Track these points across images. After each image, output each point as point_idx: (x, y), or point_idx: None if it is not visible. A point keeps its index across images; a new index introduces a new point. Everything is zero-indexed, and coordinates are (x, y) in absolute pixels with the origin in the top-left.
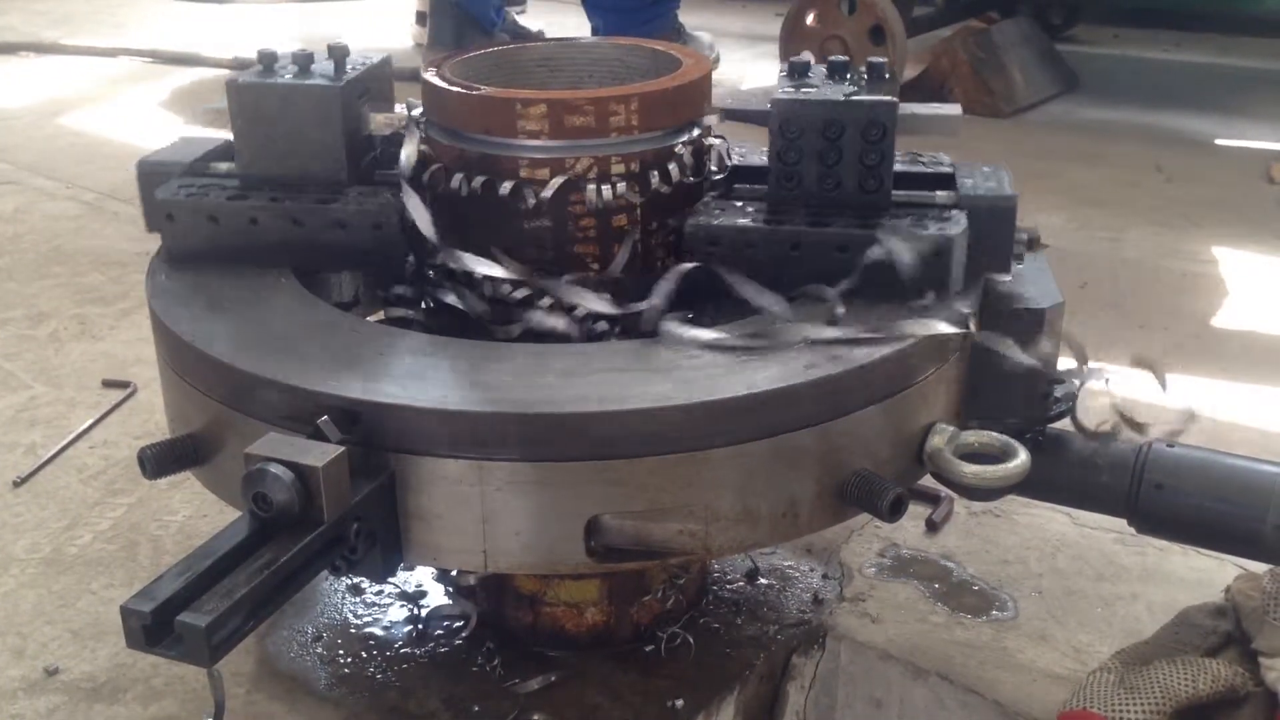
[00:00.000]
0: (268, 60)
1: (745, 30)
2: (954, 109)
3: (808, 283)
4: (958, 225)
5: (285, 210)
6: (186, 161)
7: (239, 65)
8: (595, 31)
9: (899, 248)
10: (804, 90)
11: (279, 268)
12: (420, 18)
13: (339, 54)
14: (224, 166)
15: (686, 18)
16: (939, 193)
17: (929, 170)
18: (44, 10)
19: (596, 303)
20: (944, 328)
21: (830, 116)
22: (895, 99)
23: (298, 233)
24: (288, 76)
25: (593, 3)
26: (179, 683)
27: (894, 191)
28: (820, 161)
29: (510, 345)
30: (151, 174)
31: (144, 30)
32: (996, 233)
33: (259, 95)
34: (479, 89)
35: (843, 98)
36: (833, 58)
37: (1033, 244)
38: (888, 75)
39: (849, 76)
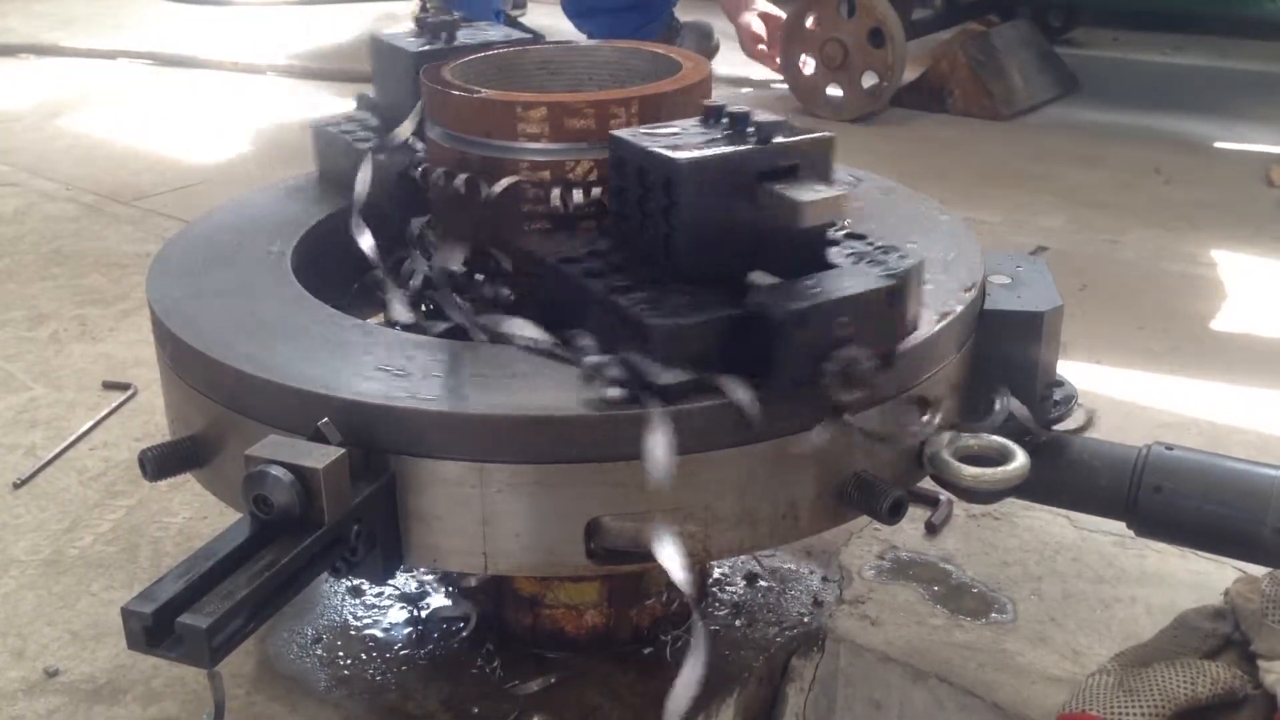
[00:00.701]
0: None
1: None
2: None
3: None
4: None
5: None
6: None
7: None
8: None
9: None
10: (652, 134)
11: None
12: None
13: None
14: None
15: (688, 19)
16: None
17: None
18: (44, 12)
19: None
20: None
21: (641, 164)
22: (691, 159)
23: None
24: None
25: (581, 12)
26: (179, 684)
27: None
28: (639, 210)
29: (509, 346)
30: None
31: (144, 31)
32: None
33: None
34: (479, 91)
35: (653, 147)
36: (732, 108)
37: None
38: (776, 135)
39: (722, 126)
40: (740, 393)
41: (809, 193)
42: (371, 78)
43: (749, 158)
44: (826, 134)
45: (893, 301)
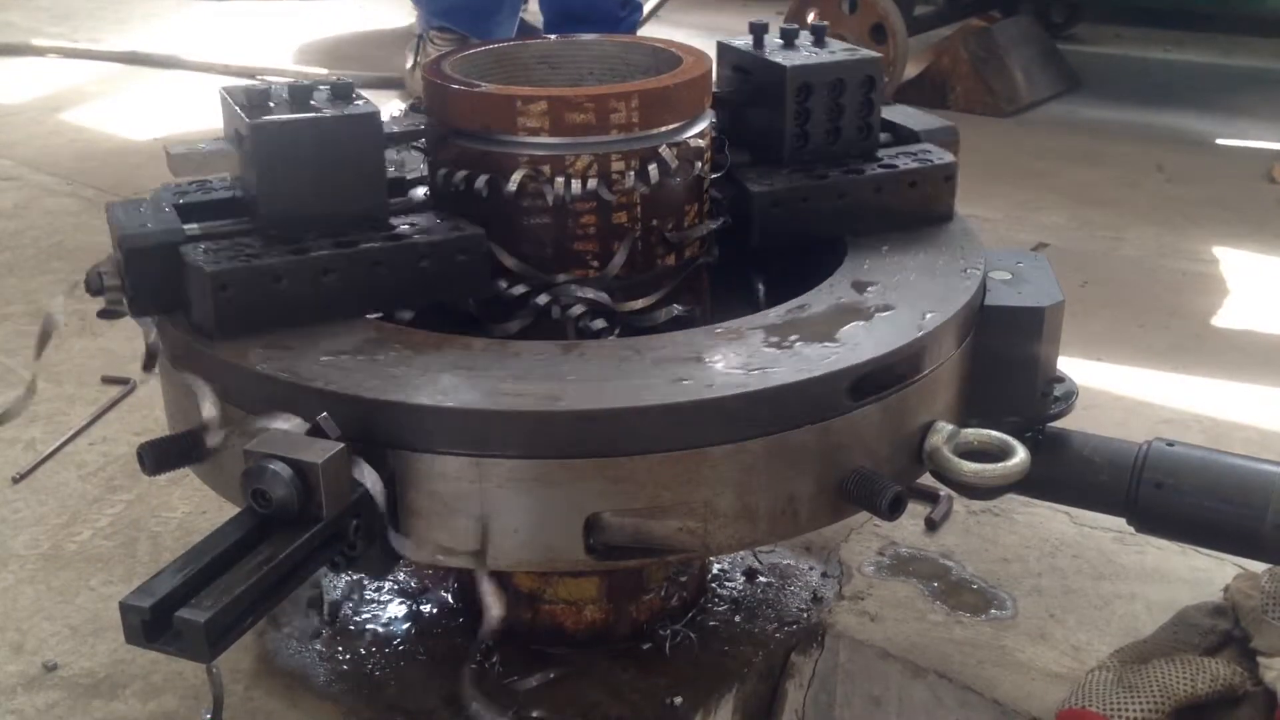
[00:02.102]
0: (260, 98)
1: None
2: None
3: (846, 230)
4: (946, 154)
5: (363, 254)
6: (167, 229)
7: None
8: None
9: None
10: (806, 56)
11: (351, 318)
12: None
13: (342, 86)
14: (220, 227)
15: (687, 16)
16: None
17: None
18: (45, 7)
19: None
20: None
21: (837, 76)
22: (878, 54)
23: (376, 276)
24: (319, 110)
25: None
26: (178, 679)
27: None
28: (826, 118)
29: (509, 342)
30: (137, 251)
31: (146, 28)
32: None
33: (292, 133)
34: (479, 86)
35: (844, 59)
36: (785, 25)
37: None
38: (825, 37)
39: (803, 41)
40: None
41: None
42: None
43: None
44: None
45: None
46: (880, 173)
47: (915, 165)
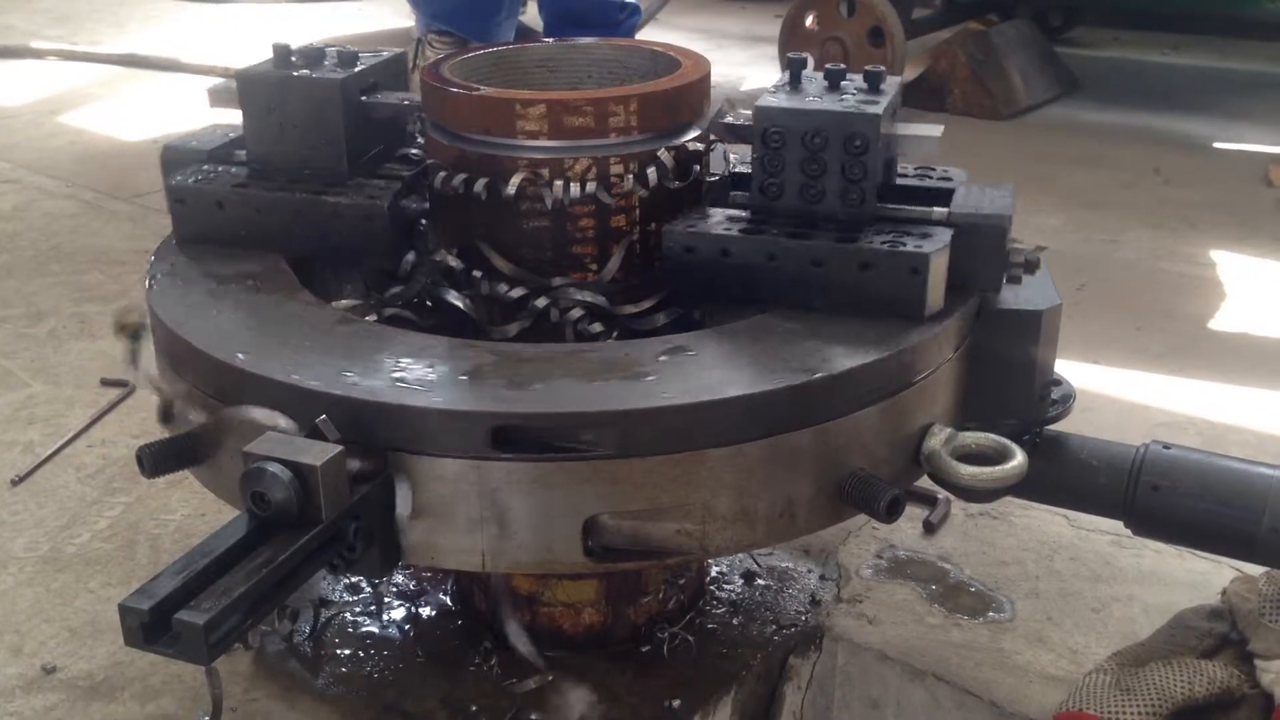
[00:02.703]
0: (281, 53)
1: (744, 32)
2: (934, 130)
3: (782, 295)
4: (936, 244)
5: (284, 200)
6: (208, 149)
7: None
8: None
9: None
10: (791, 98)
11: (276, 255)
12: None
13: (348, 53)
14: (242, 154)
15: (687, 19)
16: (934, 209)
17: (931, 185)
18: (44, 9)
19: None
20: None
21: (812, 126)
22: (878, 114)
23: (297, 223)
24: (297, 70)
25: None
26: (177, 681)
27: (890, 205)
28: (802, 172)
29: (506, 345)
30: (174, 159)
31: (146, 30)
32: (987, 251)
33: (266, 86)
34: (478, 89)
35: (827, 107)
36: (830, 65)
37: (1031, 267)
38: (882, 85)
39: (842, 85)
40: None
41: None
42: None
43: (892, 109)
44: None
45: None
46: (820, 244)
47: (878, 246)
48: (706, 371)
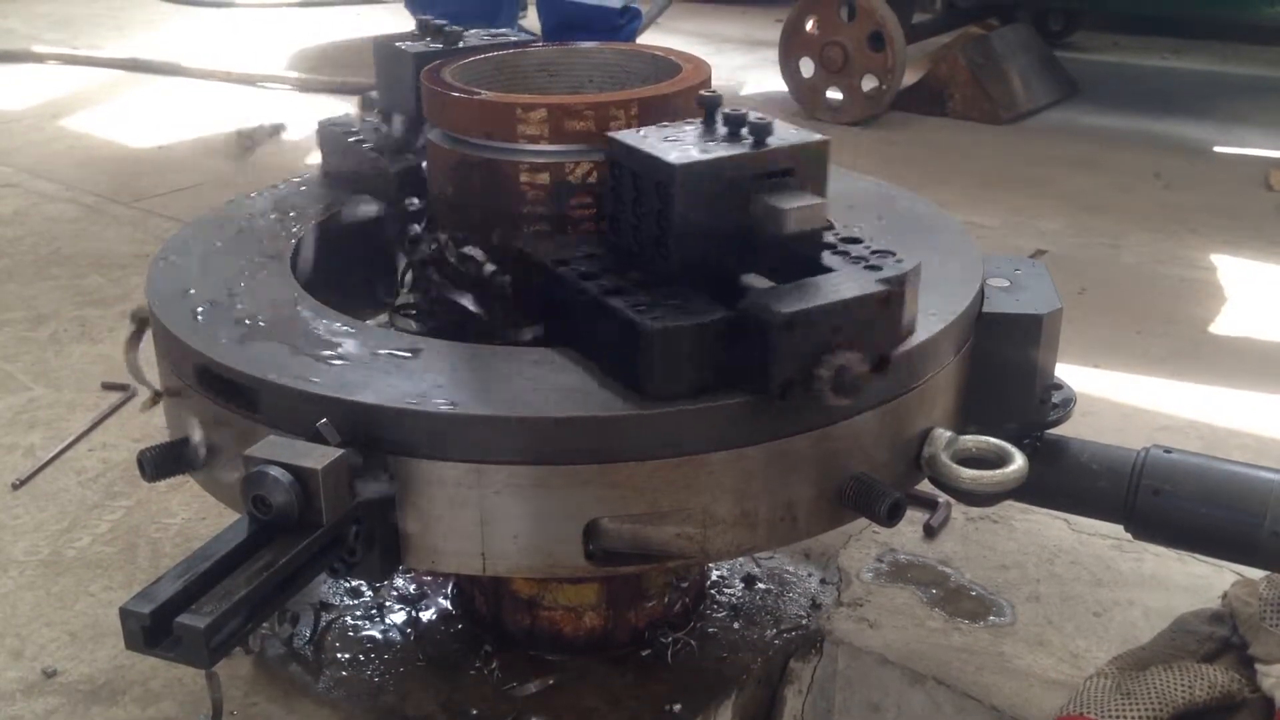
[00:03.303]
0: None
1: (745, 36)
2: (809, 199)
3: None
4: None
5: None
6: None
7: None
8: None
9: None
10: (648, 136)
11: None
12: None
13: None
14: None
15: (686, 23)
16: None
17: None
18: (45, 14)
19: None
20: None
21: (636, 167)
22: (685, 162)
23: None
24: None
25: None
26: (177, 685)
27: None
28: (634, 211)
29: (508, 349)
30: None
31: (146, 33)
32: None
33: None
34: (479, 93)
35: (648, 149)
36: (729, 110)
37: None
38: (770, 138)
39: (737, 134)
40: None
41: (791, 200)
42: (375, 81)
43: (743, 162)
44: (821, 138)
45: (887, 305)
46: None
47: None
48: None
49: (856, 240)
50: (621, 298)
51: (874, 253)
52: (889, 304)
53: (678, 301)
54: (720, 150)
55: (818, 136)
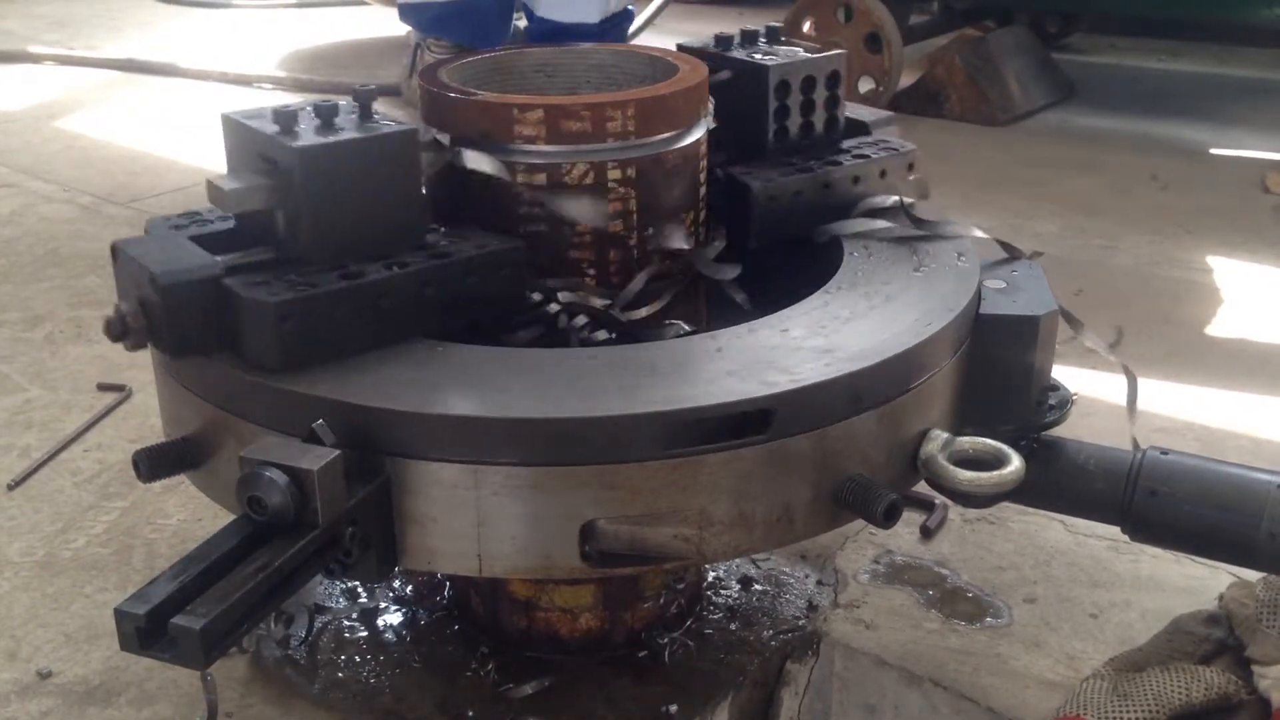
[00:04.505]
0: (288, 120)
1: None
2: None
3: (826, 220)
4: (903, 144)
5: (411, 276)
6: (210, 263)
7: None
8: None
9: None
10: (765, 56)
11: (407, 340)
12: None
13: (365, 99)
14: (248, 257)
15: (683, 24)
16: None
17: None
18: (42, 14)
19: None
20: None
21: (808, 72)
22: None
23: (426, 296)
24: (347, 131)
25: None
26: (172, 686)
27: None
28: (800, 113)
29: (506, 350)
30: (177, 287)
31: (142, 34)
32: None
33: (333, 157)
34: (476, 94)
35: (809, 55)
36: (744, 28)
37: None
38: (781, 37)
39: (761, 41)
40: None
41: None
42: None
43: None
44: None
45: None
46: (856, 163)
47: (884, 154)
48: (706, 375)
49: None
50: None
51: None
52: None
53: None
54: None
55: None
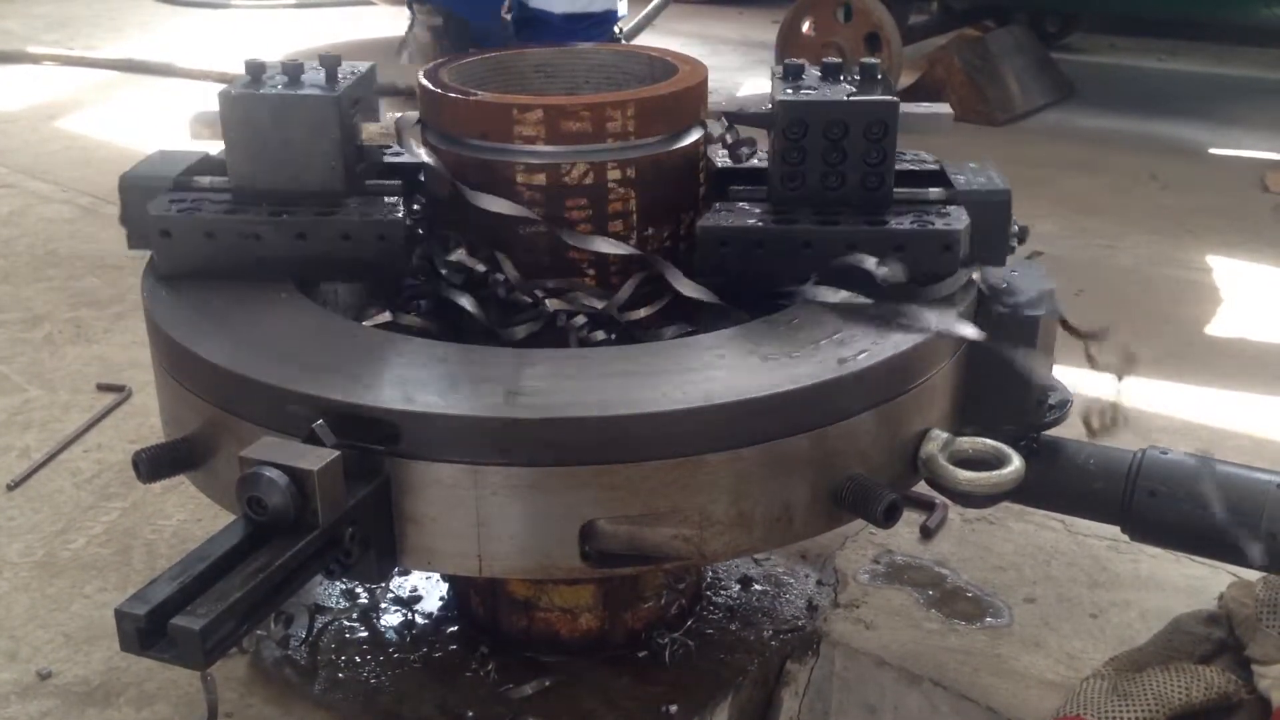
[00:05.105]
0: (256, 71)
1: (741, 37)
2: (944, 108)
3: (800, 275)
4: (960, 220)
5: (288, 224)
6: (170, 176)
7: (222, 78)
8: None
9: (868, 261)
10: (804, 91)
11: (278, 282)
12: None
13: (330, 64)
14: (208, 180)
15: (684, 24)
16: (932, 190)
17: (919, 168)
18: (41, 14)
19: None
20: (967, 329)
21: (834, 116)
22: (895, 98)
23: (300, 246)
24: (279, 87)
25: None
26: (172, 687)
27: (899, 189)
28: (824, 161)
29: (505, 350)
30: (135, 189)
31: (143, 35)
32: (992, 226)
33: (251, 107)
34: (476, 94)
35: (845, 98)
36: (827, 59)
37: (1024, 234)
38: (879, 76)
39: (842, 77)
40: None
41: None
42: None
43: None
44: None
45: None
46: (852, 229)
47: (909, 227)
48: (705, 376)
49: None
50: (888, 222)
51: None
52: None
53: (909, 217)
54: (876, 89)
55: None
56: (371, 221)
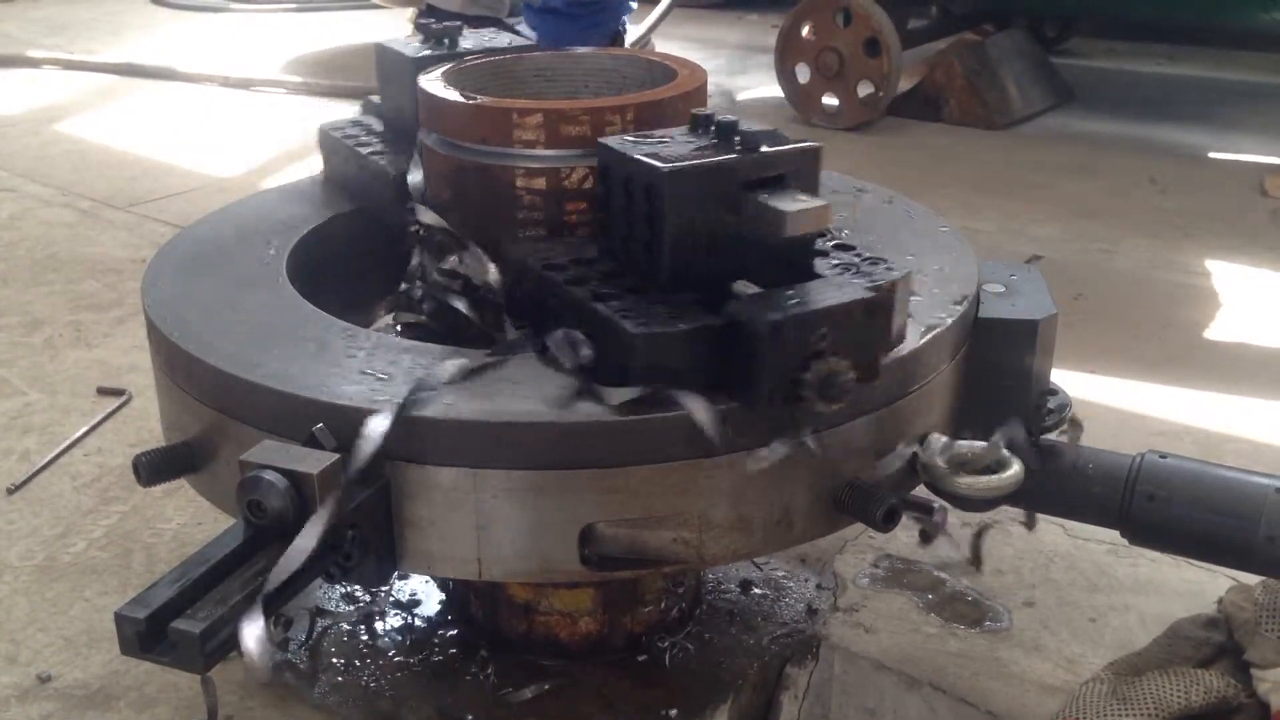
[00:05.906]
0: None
1: (741, 42)
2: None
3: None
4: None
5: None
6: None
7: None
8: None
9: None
10: (638, 142)
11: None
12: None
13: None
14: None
15: (685, 29)
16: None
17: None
18: (42, 18)
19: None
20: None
21: (629, 171)
22: (674, 168)
23: (359, 182)
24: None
25: (536, 9)
26: (172, 690)
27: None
28: (625, 219)
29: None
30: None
31: (142, 38)
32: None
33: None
34: (475, 98)
35: (637, 155)
36: (720, 117)
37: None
38: (763, 145)
39: (709, 135)
40: (701, 412)
41: (793, 203)
42: (377, 84)
43: (734, 167)
44: (813, 144)
45: (874, 313)
46: (577, 298)
47: (609, 316)
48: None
49: (849, 247)
50: (609, 303)
51: (865, 260)
52: (877, 311)
53: (666, 307)
54: (710, 155)
55: (810, 143)
56: (380, 168)
